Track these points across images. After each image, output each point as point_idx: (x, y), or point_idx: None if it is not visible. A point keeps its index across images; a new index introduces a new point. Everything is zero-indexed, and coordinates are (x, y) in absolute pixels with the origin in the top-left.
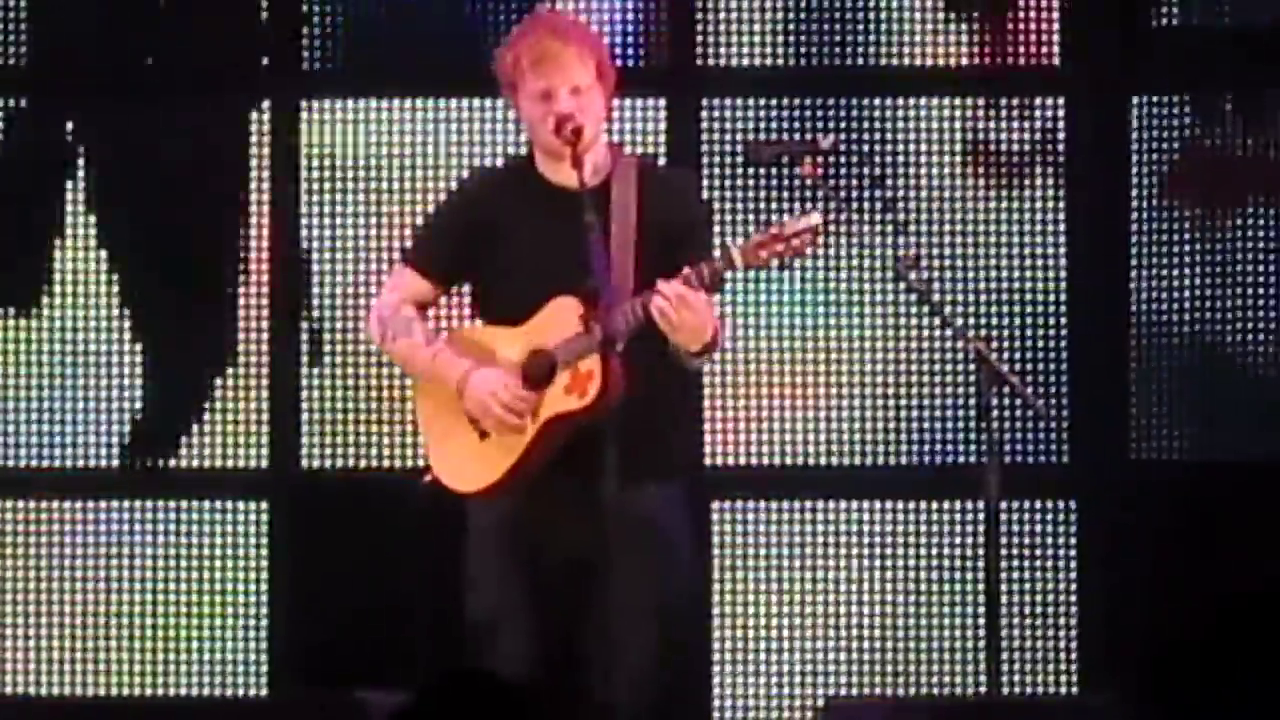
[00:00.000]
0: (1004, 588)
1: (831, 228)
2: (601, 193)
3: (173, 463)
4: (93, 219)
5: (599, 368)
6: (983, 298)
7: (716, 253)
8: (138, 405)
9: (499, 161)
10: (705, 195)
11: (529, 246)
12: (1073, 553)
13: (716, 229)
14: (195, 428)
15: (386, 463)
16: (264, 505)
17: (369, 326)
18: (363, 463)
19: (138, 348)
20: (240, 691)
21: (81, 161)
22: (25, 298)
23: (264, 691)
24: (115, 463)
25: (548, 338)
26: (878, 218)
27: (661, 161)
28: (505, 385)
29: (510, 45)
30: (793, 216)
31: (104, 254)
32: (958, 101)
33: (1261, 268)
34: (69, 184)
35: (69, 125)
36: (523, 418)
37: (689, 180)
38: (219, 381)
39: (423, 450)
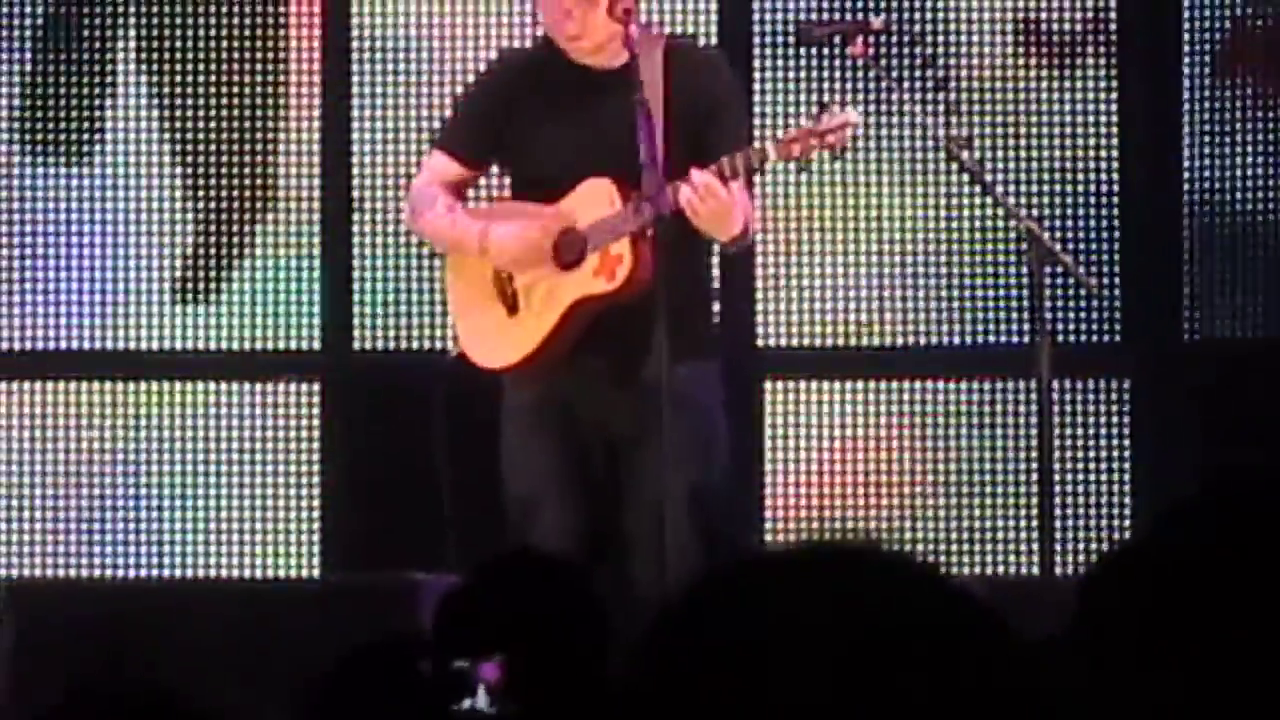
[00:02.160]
0: (1056, 467)
1: (883, 107)
2: (627, 72)
3: (224, 345)
4: (143, 99)
5: (629, 251)
6: (1034, 177)
7: (756, 144)
8: (188, 287)
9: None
10: (757, 77)
11: (556, 127)
12: (1126, 432)
13: (769, 111)
14: (246, 309)
15: (439, 344)
16: (316, 387)
17: (405, 211)
18: (415, 344)
19: (188, 230)
20: (292, 574)
21: (133, 43)
22: (77, 184)
23: (316, 573)
24: (166, 345)
25: (579, 219)
26: (929, 98)
27: (714, 43)
28: (525, 229)
29: None
30: (830, 112)
31: (153, 137)
32: None
33: None
34: (120, 64)
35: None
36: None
37: (717, 59)
38: (270, 263)
39: (450, 326)
